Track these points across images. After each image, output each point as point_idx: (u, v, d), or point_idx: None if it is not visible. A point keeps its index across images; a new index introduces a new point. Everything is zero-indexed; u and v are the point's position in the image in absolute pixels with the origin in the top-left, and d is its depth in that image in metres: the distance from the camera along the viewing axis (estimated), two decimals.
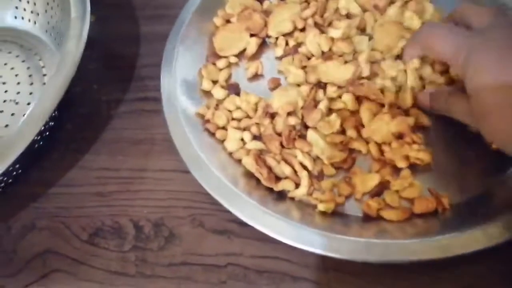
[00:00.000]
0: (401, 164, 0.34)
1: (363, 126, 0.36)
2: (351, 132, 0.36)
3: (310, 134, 0.36)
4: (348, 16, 0.43)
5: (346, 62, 0.39)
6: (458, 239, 0.28)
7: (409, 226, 0.32)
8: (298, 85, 0.39)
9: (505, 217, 0.29)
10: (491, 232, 0.28)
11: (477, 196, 0.33)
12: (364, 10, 0.43)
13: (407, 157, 0.34)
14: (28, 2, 0.50)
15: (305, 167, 0.35)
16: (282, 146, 0.36)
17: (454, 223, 0.30)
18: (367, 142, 0.36)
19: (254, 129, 0.38)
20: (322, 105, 0.37)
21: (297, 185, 0.35)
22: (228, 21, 0.46)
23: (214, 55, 0.44)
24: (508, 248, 0.29)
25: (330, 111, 0.37)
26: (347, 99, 0.37)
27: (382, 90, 0.37)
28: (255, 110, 0.39)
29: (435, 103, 0.35)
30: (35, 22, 0.50)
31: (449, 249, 0.28)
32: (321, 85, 0.39)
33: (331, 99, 0.38)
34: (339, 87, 0.38)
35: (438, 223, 0.31)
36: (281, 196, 0.35)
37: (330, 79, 0.38)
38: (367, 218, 0.33)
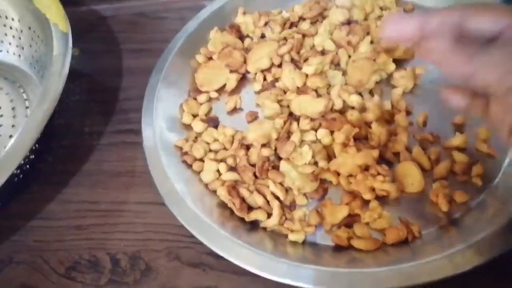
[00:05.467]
0: (367, 196, 0.34)
1: (336, 157, 0.37)
2: (322, 163, 0.36)
3: (283, 165, 0.36)
4: (324, 52, 0.45)
5: (319, 95, 0.40)
6: (425, 267, 0.29)
7: (381, 254, 0.32)
8: (274, 118, 0.41)
9: (470, 245, 0.30)
10: (456, 261, 0.28)
11: (445, 225, 0.33)
12: (339, 47, 0.45)
13: (372, 189, 0.34)
14: (13, 36, 0.51)
15: (277, 197, 0.35)
16: (255, 176, 0.37)
17: (423, 251, 0.31)
18: (338, 173, 0.36)
19: (230, 161, 0.39)
20: (295, 137, 0.37)
21: (269, 215, 0.35)
22: (210, 58, 0.48)
23: (196, 90, 0.45)
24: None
25: (302, 142, 0.38)
26: (322, 135, 0.38)
27: (353, 123, 0.38)
28: (232, 142, 0.40)
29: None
30: (20, 56, 0.51)
31: (416, 277, 0.28)
32: (295, 117, 0.40)
33: (304, 131, 0.39)
34: (312, 119, 0.39)
35: (409, 251, 0.31)
36: (254, 226, 0.35)
37: (303, 112, 0.40)
38: (339, 248, 0.33)
